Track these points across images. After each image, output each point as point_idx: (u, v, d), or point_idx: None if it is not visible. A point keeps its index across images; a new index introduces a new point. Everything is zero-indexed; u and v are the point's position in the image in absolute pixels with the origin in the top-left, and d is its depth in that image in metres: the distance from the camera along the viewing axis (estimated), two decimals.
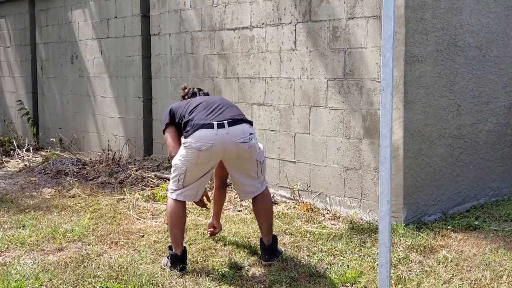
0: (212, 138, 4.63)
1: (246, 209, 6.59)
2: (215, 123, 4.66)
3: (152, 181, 7.84)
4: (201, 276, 4.67)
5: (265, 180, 5.05)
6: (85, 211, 6.66)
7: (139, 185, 7.78)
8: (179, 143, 4.88)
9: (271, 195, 6.97)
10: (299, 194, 6.71)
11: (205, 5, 7.80)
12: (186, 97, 5.42)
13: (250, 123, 4.88)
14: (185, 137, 4.74)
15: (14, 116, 12.37)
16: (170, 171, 8.12)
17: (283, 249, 5.21)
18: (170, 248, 4.90)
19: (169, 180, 7.71)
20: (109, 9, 9.57)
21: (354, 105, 6.16)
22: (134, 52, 9.13)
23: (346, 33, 6.20)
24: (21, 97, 11.99)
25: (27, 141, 11.31)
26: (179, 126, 4.95)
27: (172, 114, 5.04)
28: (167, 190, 7.25)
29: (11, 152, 10.85)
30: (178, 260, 4.80)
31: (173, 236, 4.85)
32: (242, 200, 6.90)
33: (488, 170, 6.59)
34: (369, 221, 5.99)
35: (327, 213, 6.33)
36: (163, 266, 4.87)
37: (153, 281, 4.55)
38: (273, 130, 7.03)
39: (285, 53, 6.83)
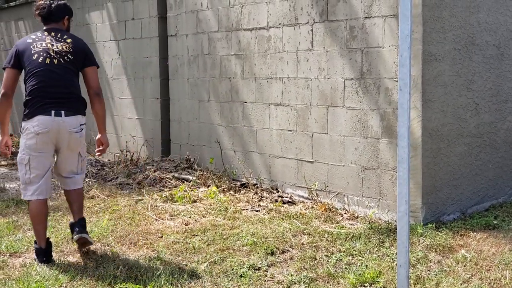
0: (49, 124, 5.00)
1: (264, 209, 6.60)
2: (53, 111, 5.02)
3: (170, 182, 7.87)
4: (219, 276, 4.69)
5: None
6: (104, 212, 6.70)
7: (157, 186, 7.81)
8: (14, 88, 5.17)
9: (289, 195, 6.99)
10: (317, 194, 6.70)
11: (222, 5, 7.82)
12: (37, 12, 5.32)
13: (84, 113, 5.24)
14: (24, 120, 5.06)
15: None
16: (188, 172, 8.17)
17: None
18: (35, 242, 5.24)
19: (187, 181, 7.78)
20: (126, 10, 9.61)
21: (372, 105, 6.15)
22: (152, 53, 9.16)
23: (363, 33, 6.19)
24: None
25: None
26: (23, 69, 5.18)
27: (17, 57, 5.15)
28: (185, 191, 7.28)
29: None
30: (42, 253, 5.14)
31: (36, 232, 5.20)
32: (259, 201, 6.92)
33: (507, 169, 6.55)
34: (388, 221, 5.97)
35: (345, 213, 6.32)
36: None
37: (172, 282, 4.57)
38: (291, 130, 7.03)
39: (302, 53, 6.83)
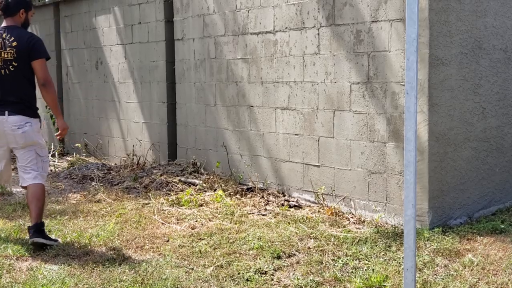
0: None
1: (270, 213, 6.59)
2: None
3: (176, 186, 7.87)
4: (226, 280, 4.69)
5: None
6: (111, 216, 6.71)
7: (164, 189, 7.82)
8: None
9: (295, 199, 6.98)
10: (323, 198, 6.70)
11: (228, 9, 7.83)
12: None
13: (30, 114, 5.71)
14: None
15: None
16: (194, 176, 8.18)
17: (59, 239, 5.78)
18: None
19: (194, 185, 7.78)
20: (133, 14, 9.63)
21: (378, 109, 6.14)
22: (158, 57, 9.18)
23: (369, 36, 6.19)
24: None
25: (52, 146, 11.40)
26: None
27: None
28: (192, 194, 7.29)
29: None
30: None
31: None
32: (266, 205, 6.92)
33: None
34: (394, 225, 5.96)
35: (352, 217, 6.31)
36: None
37: (178, 286, 4.57)
38: (297, 134, 7.03)
39: (309, 57, 6.83)
